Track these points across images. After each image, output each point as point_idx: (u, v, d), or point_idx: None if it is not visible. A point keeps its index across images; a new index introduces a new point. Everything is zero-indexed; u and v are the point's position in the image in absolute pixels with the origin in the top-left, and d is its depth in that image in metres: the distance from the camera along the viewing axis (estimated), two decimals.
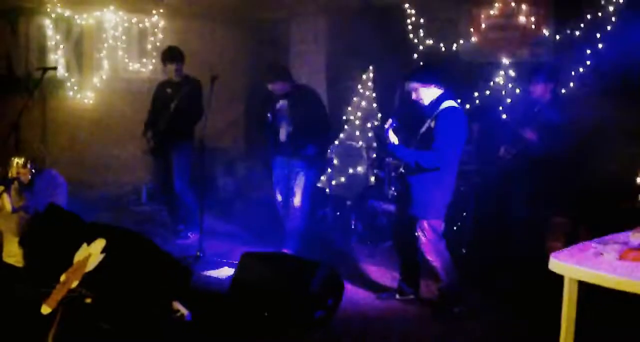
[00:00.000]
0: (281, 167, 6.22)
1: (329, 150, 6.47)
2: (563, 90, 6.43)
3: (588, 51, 6.52)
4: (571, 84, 6.59)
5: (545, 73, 5.79)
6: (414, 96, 4.95)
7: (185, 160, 6.80)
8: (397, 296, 5.22)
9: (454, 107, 4.86)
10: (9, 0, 7.89)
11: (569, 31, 6.75)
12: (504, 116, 6.54)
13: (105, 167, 8.46)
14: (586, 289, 3.18)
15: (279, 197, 6.33)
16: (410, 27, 7.96)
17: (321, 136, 6.13)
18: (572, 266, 3.05)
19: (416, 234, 4.91)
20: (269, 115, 6.15)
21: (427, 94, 4.89)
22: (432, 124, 4.81)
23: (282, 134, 6.08)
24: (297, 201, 6.11)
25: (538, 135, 5.58)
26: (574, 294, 3.15)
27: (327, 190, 8.00)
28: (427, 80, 4.88)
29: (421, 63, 6.48)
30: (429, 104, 4.90)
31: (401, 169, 5.09)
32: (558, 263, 3.12)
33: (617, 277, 2.85)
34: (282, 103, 6.06)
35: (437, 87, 4.88)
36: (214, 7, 9.09)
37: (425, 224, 4.85)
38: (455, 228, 6.32)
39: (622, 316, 4.38)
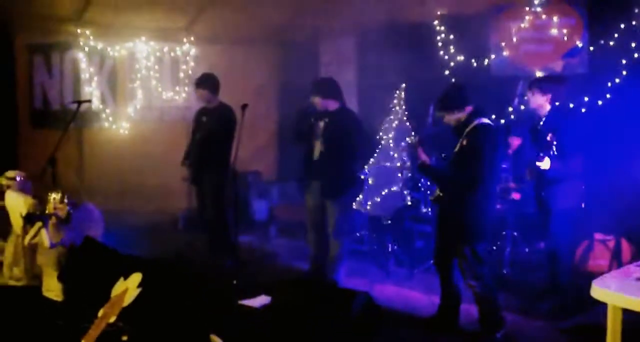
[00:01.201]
0: (315, 192, 6.11)
1: (364, 174, 6.32)
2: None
3: (624, 61, 6.39)
4: (607, 95, 6.46)
5: (542, 83, 5.58)
6: (445, 120, 4.88)
7: (215, 188, 6.80)
8: (437, 322, 5.10)
9: (485, 123, 4.75)
10: (42, 35, 8.04)
11: (602, 42, 6.63)
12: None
13: (142, 196, 8.52)
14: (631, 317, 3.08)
15: (310, 224, 6.24)
16: (440, 43, 7.91)
17: (356, 159, 6.02)
18: (615, 292, 2.94)
19: (457, 258, 4.81)
20: (301, 126, 6.04)
21: (455, 117, 4.81)
22: (465, 142, 4.72)
23: (316, 152, 6.00)
24: (332, 230, 6.01)
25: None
26: (619, 321, 3.04)
27: (363, 210, 7.94)
28: (455, 107, 4.80)
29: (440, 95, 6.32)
30: (459, 124, 4.81)
31: (438, 192, 5.00)
32: (600, 290, 3.01)
33: None
34: (321, 122, 5.98)
35: (464, 108, 4.78)
36: (243, 31, 9.14)
37: (465, 248, 4.74)
38: (494, 248, 6.20)
39: None
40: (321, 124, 5.97)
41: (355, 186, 6.14)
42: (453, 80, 7.45)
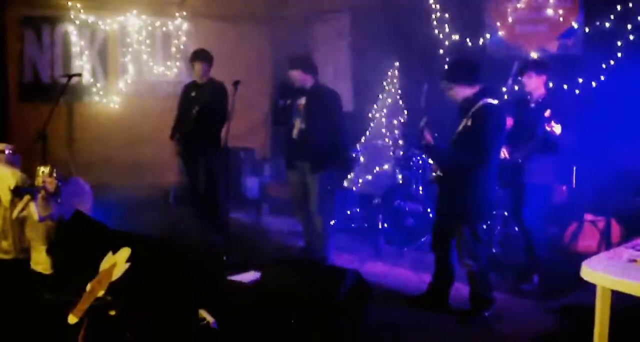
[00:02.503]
0: (296, 172, 6.11)
1: (345, 153, 6.30)
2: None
3: (619, 43, 6.36)
4: (602, 77, 6.44)
5: (536, 65, 5.55)
6: (449, 95, 4.80)
7: (210, 163, 6.79)
8: (427, 299, 5.12)
9: (491, 104, 4.68)
10: (32, 8, 7.93)
11: (598, 23, 6.59)
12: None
13: (132, 170, 8.47)
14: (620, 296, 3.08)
15: (295, 204, 6.25)
16: (435, 22, 7.85)
17: (333, 139, 5.99)
18: (605, 274, 2.94)
19: (454, 237, 4.81)
20: (279, 100, 6.04)
21: (462, 92, 4.73)
22: (469, 123, 4.65)
23: (295, 131, 5.99)
24: (314, 207, 6.01)
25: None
26: (607, 303, 3.05)
27: (354, 189, 7.93)
28: (463, 79, 4.71)
29: (453, 60, 6.32)
30: (465, 102, 4.74)
31: (439, 172, 4.96)
32: (590, 271, 3.01)
33: None
34: (299, 99, 5.96)
35: (473, 84, 4.72)
36: (237, 7, 9.06)
37: (464, 227, 4.73)
38: (485, 227, 6.20)
39: None
40: (300, 102, 5.95)
41: (337, 163, 6.11)
42: (446, 66, 7.38)
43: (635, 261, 3.04)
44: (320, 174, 5.92)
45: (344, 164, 6.34)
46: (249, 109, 8.79)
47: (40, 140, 6.10)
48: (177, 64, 8.92)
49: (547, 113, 5.05)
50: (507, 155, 5.40)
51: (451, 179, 4.82)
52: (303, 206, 6.14)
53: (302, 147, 5.92)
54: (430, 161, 6.23)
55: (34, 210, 5.48)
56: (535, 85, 5.40)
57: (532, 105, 5.43)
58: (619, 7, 6.39)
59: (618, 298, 3.12)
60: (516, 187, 5.46)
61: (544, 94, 5.42)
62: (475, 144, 4.57)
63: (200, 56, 6.77)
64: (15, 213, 5.62)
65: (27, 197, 5.51)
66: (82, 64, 8.30)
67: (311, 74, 5.95)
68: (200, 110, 6.64)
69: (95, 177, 6.74)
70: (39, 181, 5.54)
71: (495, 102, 4.74)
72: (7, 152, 6.01)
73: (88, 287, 4.51)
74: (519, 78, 5.48)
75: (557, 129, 5.01)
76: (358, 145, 8.13)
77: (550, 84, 5.40)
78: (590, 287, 3.17)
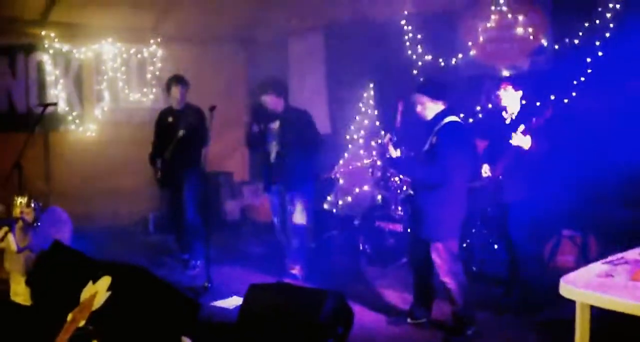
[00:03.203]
0: (274, 191, 6.17)
1: (319, 173, 6.40)
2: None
3: (588, 59, 6.48)
4: (573, 94, 6.55)
5: (513, 80, 5.64)
6: (418, 109, 4.87)
7: (195, 188, 6.79)
8: (409, 320, 5.14)
9: (455, 122, 4.81)
10: (7, 37, 7.90)
11: (567, 40, 6.72)
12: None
13: (110, 198, 8.42)
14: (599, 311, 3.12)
15: (276, 222, 6.29)
16: (408, 43, 7.94)
17: (311, 158, 6.04)
18: (583, 290, 2.97)
19: (431, 256, 4.85)
20: (253, 125, 6.07)
21: (432, 109, 4.82)
22: (434, 140, 4.75)
23: (272, 155, 6.04)
24: (297, 218, 6.03)
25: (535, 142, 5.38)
26: (587, 318, 3.09)
27: (334, 210, 7.95)
28: (435, 95, 4.81)
29: (425, 78, 6.45)
30: (432, 119, 4.84)
31: (410, 191, 5.03)
32: (568, 288, 3.05)
33: (629, 301, 2.77)
34: (273, 124, 6.01)
35: (443, 102, 4.83)
36: (210, 31, 9.10)
37: (439, 246, 4.77)
38: (464, 246, 6.25)
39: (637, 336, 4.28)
40: (274, 126, 5.99)
41: (314, 184, 6.19)
42: (421, 79, 7.47)
43: (612, 276, 3.09)
44: (300, 195, 5.97)
45: (322, 181, 6.40)
46: (226, 133, 8.80)
47: (17, 170, 6.07)
48: (153, 90, 8.92)
49: (521, 128, 5.13)
50: (489, 173, 5.47)
51: (420, 197, 4.88)
52: (284, 227, 6.17)
53: (281, 169, 5.96)
54: (402, 177, 6.30)
55: (12, 241, 5.43)
56: (512, 100, 5.47)
57: (507, 121, 5.50)
58: (586, 24, 6.52)
59: (598, 312, 3.17)
60: (500, 205, 5.52)
61: (519, 110, 5.49)
62: (440, 161, 4.65)
63: (178, 80, 6.80)
64: None
65: (4, 229, 5.46)
66: (57, 93, 8.26)
67: (283, 97, 6.01)
68: (183, 136, 6.62)
69: (74, 206, 6.68)
70: (16, 212, 5.50)
71: (459, 120, 4.84)
72: None
73: (69, 317, 4.47)
74: (496, 93, 5.53)
75: (525, 142, 5.08)
76: (336, 168, 8.18)
77: (523, 101, 5.48)
78: (570, 303, 3.20)
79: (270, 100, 5.95)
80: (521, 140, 5.08)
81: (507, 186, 5.36)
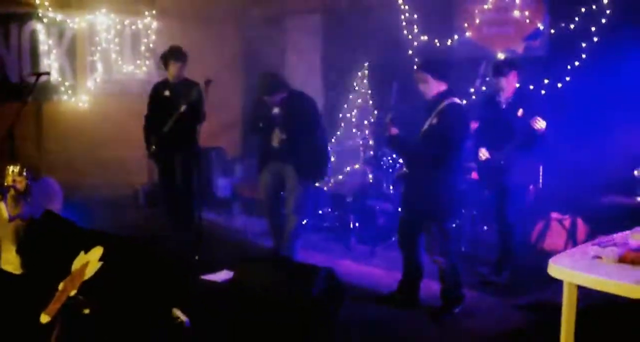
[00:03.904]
0: (273, 172, 6.12)
1: (328, 160, 6.36)
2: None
3: (583, 44, 6.50)
4: (567, 78, 6.58)
5: (514, 64, 5.64)
6: (420, 87, 4.86)
7: (189, 163, 6.77)
8: (398, 297, 5.19)
9: (457, 103, 4.81)
10: (0, 6, 7.83)
11: (563, 24, 6.73)
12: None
13: (101, 170, 8.41)
14: (586, 291, 3.17)
15: (267, 202, 6.25)
16: (404, 23, 7.93)
17: (315, 144, 6.03)
18: (571, 270, 3.03)
19: (422, 235, 4.88)
20: (260, 124, 6.07)
21: (434, 88, 4.82)
22: (435, 121, 4.76)
23: (275, 140, 6.00)
24: (290, 207, 6.04)
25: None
26: (574, 298, 3.14)
27: (325, 188, 7.97)
28: (438, 75, 4.82)
29: (428, 58, 6.45)
30: (432, 100, 4.84)
31: (404, 169, 5.07)
32: (557, 268, 3.10)
33: (617, 281, 2.83)
34: (275, 110, 5.97)
35: (445, 83, 4.83)
36: (207, 6, 9.04)
37: (432, 225, 4.82)
38: (454, 225, 6.30)
39: (623, 316, 4.35)
40: (276, 111, 5.96)
41: (319, 168, 6.16)
42: (416, 59, 7.47)
43: (600, 257, 3.13)
44: (303, 179, 5.94)
45: (325, 168, 6.35)
46: (220, 109, 8.76)
47: (9, 140, 6.05)
48: (147, 62, 8.87)
49: (520, 112, 5.17)
50: (488, 156, 5.50)
51: (417, 176, 4.91)
52: (275, 206, 6.16)
53: (284, 154, 5.92)
54: (397, 158, 6.31)
55: (3, 209, 5.43)
56: (510, 84, 5.49)
57: (503, 105, 5.52)
58: (583, 9, 6.54)
59: (584, 294, 3.22)
60: (499, 188, 5.56)
61: (514, 93, 5.51)
62: (440, 142, 4.68)
63: (177, 55, 6.73)
64: None
65: None
66: (50, 63, 8.20)
67: (281, 92, 5.94)
68: (183, 111, 6.57)
69: (65, 177, 6.68)
70: (8, 180, 5.48)
71: (460, 102, 4.86)
72: None
73: (60, 286, 4.48)
74: (498, 77, 5.53)
75: (541, 124, 5.11)
76: (329, 145, 8.18)
77: (517, 85, 5.51)
78: (557, 285, 3.25)
79: (273, 99, 5.92)
80: (541, 123, 5.10)
81: (509, 169, 5.39)
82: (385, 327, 4.76)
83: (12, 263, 5.47)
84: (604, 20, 6.41)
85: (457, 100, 4.82)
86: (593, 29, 6.46)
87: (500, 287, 5.44)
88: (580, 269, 3.02)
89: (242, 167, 9.29)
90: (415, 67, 5.05)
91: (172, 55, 6.75)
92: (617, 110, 6.10)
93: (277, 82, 5.97)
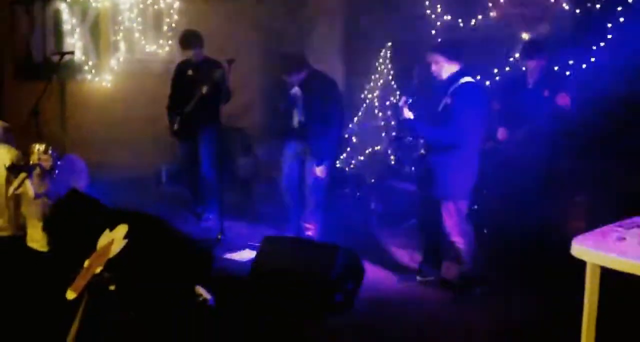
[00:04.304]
0: (292, 149, 6.13)
1: (345, 136, 6.38)
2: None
3: (609, 25, 6.41)
4: (592, 59, 6.50)
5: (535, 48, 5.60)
6: (433, 68, 4.88)
7: (212, 142, 6.81)
8: (418, 278, 5.22)
9: (471, 82, 4.81)
10: None
11: (589, 4, 6.64)
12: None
13: (125, 148, 8.47)
14: (609, 274, 3.16)
15: (285, 181, 6.25)
16: (427, 2, 7.86)
17: (334, 126, 6.02)
18: (594, 251, 3.02)
19: (441, 215, 4.89)
20: (281, 105, 6.07)
21: (448, 69, 4.83)
22: (449, 101, 4.77)
23: (295, 120, 6.01)
24: (319, 171, 6.02)
25: (571, 100, 5.32)
26: (597, 279, 3.12)
27: (347, 169, 7.98)
28: (451, 56, 4.82)
29: (442, 39, 6.45)
30: (447, 80, 4.84)
31: (422, 150, 5.07)
32: (580, 248, 3.09)
33: None
34: (295, 90, 5.97)
35: (458, 63, 4.83)
36: None
37: (450, 205, 4.83)
38: (476, 207, 6.28)
39: None
40: (295, 92, 5.96)
41: (337, 150, 6.18)
42: (439, 40, 7.40)
43: (624, 238, 3.12)
44: (322, 159, 5.96)
45: (339, 150, 6.38)
46: (242, 88, 8.75)
47: (34, 118, 6.13)
48: (169, 42, 8.88)
49: (546, 92, 5.15)
50: (506, 136, 5.49)
51: (433, 158, 4.92)
52: (294, 184, 6.18)
53: (303, 136, 5.95)
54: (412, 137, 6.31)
55: (29, 187, 5.52)
56: (538, 65, 5.46)
57: (530, 85, 5.50)
58: None
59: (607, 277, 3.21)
60: (518, 169, 5.54)
61: (540, 73, 5.48)
62: (455, 121, 4.68)
63: (191, 42, 6.73)
64: (10, 190, 5.65)
65: (22, 175, 5.54)
66: (74, 42, 8.24)
67: (304, 69, 5.94)
68: (207, 91, 6.59)
69: (88, 155, 6.75)
70: (34, 159, 5.58)
71: (474, 81, 4.84)
72: (1, 130, 6.03)
73: (86, 263, 4.55)
74: (526, 59, 5.51)
75: (566, 101, 5.10)
76: (351, 126, 8.18)
77: (544, 65, 5.47)
78: (580, 268, 3.25)
79: (294, 78, 5.92)
80: (564, 99, 5.08)
81: (528, 149, 5.37)
82: (405, 307, 4.78)
83: (38, 241, 5.58)
84: (630, 0, 6.31)
85: (471, 79, 4.81)
86: (619, 9, 6.36)
87: (522, 270, 5.43)
88: (604, 249, 3.01)
89: (262, 146, 9.30)
90: (428, 49, 5.04)
91: (185, 43, 6.77)
92: None
93: (297, 62, 5.97)
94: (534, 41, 6.29)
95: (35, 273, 5.07)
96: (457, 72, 4.82)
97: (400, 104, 4.93)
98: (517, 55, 5.60)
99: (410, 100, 4.93)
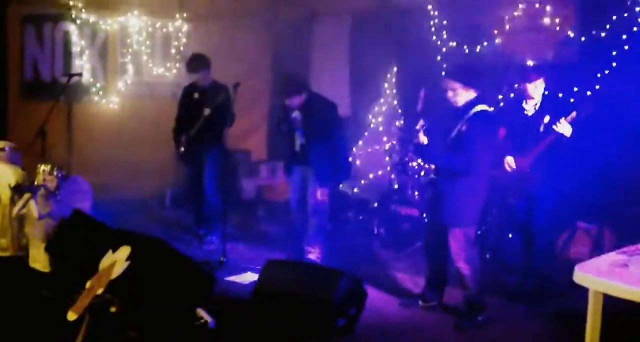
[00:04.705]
0: (297, 173, 6.19)
1: (347, 163, 6.40)
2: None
3: (614, 52, 6.44)
4: (597, 86, 6.52)
5: (541, 71, 5.63)
6: (449, 95, 4.83)
7: (217, 165, 6.84)
8: (421, 303, 5.19)
9: (486, 111, 4.80)
10: (33, 6, 7.95)
11: (594, 32, 6.68)
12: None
13: (129, 171, 8.47)
14: (612, 300, 3.15)
15: (294, 203, 6.28)
16: (433, 28, 7.92)
17: (335, 148, 6.03)
18: (597, 278, 3.01)
19: (448, 241, 4.88)
20: (282, 127, 6.12)
21: (464, 96, 4.79)
22: (464, 128, 4.75)
23: (297, 144, 6.06)
24: (319, 195, 6.03)
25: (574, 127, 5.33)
26: (599, 306, 3.12)
27: (350, 193, 7.99)
28: (468, 82, 4.78)
29: (459, 65, 6.51)
30: (462, 107, 4.82)
31: (432, 175, 5.07)
32: (582, 275, 3.08)
33: None
34: (296, 114, 6.00)
35: (474, 90, 4.81)
36: (237, 8, 9.10)
37: (457, 231, 4.81)
38: (479, 233, 6.27)
39: None
40: (296, 115, 5.99)
41: (339, 173, 6.19)
42: (450, 65, 7.43)
43: (626, 265, 3.11)
44: (323, 183, 5.97)
45: (346, 173, 6.40)
46: (247, 111, 8.83)
47: (40, 138, 6.16)
48: (177, 65, 8.95)
49: (547, 119, 5.16)
50: (513, 166, 5.49)
51: (443, 183, 4.90)
52: (302, 208, 6.19)
53: (305, 158, 5.98)
54: (424, 164, 6.31)
55: (33, 208, 5.53)
56: (537, 90, 5.47)
57: (530, 112, 5.51)
58: (614, 17, 6.48)
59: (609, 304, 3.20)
60: (524, 195, 5.54)
61: (541, 100, 5.50)
62: (469, 149, 4.67)
63: (197, 65, 6.79)
64: (15, 211, 5.67)
65: (27, 195, 5.56)
66: (82, 64, 8.30)
67: (305, 92, 5.98)
68: (210, 114, 6.65)
69: (94, 176, 6.75)
70: (39, 179, 5.60)
71: (490, 109, 4.84)
72: (7, 149, 6.06)
73: (87, 284, 4.55)
74: (524, 84, 5.53)
75: (566, 129, 5.11)
76: (355, 149, 8.21)
77: (546, 92, 5.49)
78: (582, 294, 3.23)
79: (294, 101, 5.96)
80: (565, 128, 5.10)
81: (534, 176, 5.37)
82: (407, 333, 4.75)
83: (40, 261, 5.58)
84: (635, 28, 6.34)
85: (486, 108, 4.81)
86: (624, 36, 6.40)
87: (524, 295, 5.40)
88: (606, 276, 3.01)
89: (267, 169, 9.34)
90: (443, 74, 5.04)
91: (192, 66, 6.83)
92: None
93: (297, 85, 6.01)
94: (533, 67, 6.32)
95: (37, 294, 5.06)
96: (473, 99, 4.80)
97: (417, 127, 4.92)
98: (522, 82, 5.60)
99: (426, 126, 4.91)
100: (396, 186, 7.29)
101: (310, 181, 6.05)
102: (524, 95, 5.57)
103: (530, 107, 5.52)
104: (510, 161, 5.53)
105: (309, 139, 5.94)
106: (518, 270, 5.76)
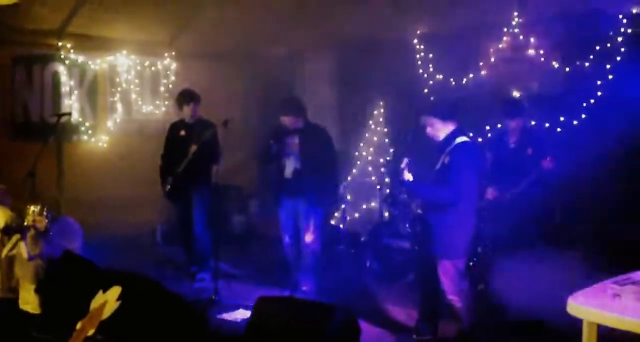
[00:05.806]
0: (287, 208, 6.19)
1: (339, 189, 6.42)
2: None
3: (599, 82, 6.52)
4: (582, 116, 6.59)
5: (519, 106, 5.74)
6: (428, 131, 4.91)
7: (205, 202, 6.85)
8: (415, 337, 5.16)
9: (467, 142, 4.85)
10: (23, 47, 8.00)
11: (578, 63, 6.77)
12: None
13: (120, 208, 8.46)
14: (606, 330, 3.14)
15: (287, 239, 6.29)
16: (419, 62, 8.01)
17: (328, 176, 6.08)
18: (590, 308, 3.01)
19: (438, 274, 4.87)
20: (271, 141, 6.09)
21: (443, 130, 4.86)
22: (446, 160, 4.79)
23: (288, 171, 6.06)
24: (308, 237, 6.06)
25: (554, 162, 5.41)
26: (594, 337, 3.10)
27: (341, 226, 7.98)
28: (445, 116, 4.84)
29: (434, 99, 6.59)
30: (443, 140, 4.88)
31: (419, 210, 5.07)
32: (576, 306, 3.08)
33: (636, 320, 2.80)
34: (291, 139, 6.04)
35: (453, 123, 4.87)
36: (224, 46, 9.18)
37: (447, 264, 4.80)
38: (471, 264, 6.26)
39: None
40: (293, 141, 6.02)
41: (332, 199, 6.22)
42: (432, 99, 7.52)
43: (619, 295, 3.11)
44: (316, 210, 5.99)
45: (336, 200, 6.44)
46: (236, 147, 8.83)
47: (30, 179, 6.14)
48: (166, 102, 9.00)
49: (529, 151, 5.22)
50: (495, 195, 5.52)
51: (430, 217, 4.92)
52: (295, 243, 6.19)
53: (297, 185, 5.98)
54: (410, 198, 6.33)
55: (23, 249, 5.50)
56: (517, 124, 5.55)
57: (512, 144, 5.58)
58: (598, 47, 6.58)
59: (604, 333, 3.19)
60: (508, 225, 5.57)
61: (521, 133, 5.58)
62: (453, 181, 4.69)
63: (190, 98, 6.87)
64: (4, 252, 5.63)
65: (16, 236, 5.53)
66: (72, 103, 8.33)
67: (302, 116, 6.05)
68: (197, 151, 6.67)
69: (84, 216, 6.73)
70: (28, 220, 5.56)
71: (470, 140, 4.89)
72: None
73: (78, 325, 4.52)
74: (506, 117, 5.62)
75: (548, 163, 5.19)
76: (345, 183, 8.22)
77: (532, 122, 5.57)
78: (577, 324, 3.23)
79: (289, 120, 6.00)
80: (548, 163, 5.18)
81: (520, 206, 5.41)
82: None
83: (30, 303, 5.52)
84: (619, 58, 6.44)
85: (466, 139, 4.86)
86: (608, 66, 6.49)
87: (518, 327, 5.37)
88: (599, 307, 3.00)
89: (257, 204, 9.33)
90: (418, 113, 5.09)
91: (186, 98, 6.88)
92: (633, 147, 6.09)
93: (295, 106, 6.06)
94: (513, 101, 6.42)
95: (28, 336, 5.00)
96: (452, 131, 4.85)
97: (402, 166, 4.94)
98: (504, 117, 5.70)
99: (409, 163, 4.95)
100: (387, 219, 7.29)
101: (301, 215, 6.05)
102: (505, 129, 5.66)
103: (512, 140, 5.60)
104: (491, 192, 5.57)
105: (304, 164, 5.95)
106: (511, 299, 5.74)
